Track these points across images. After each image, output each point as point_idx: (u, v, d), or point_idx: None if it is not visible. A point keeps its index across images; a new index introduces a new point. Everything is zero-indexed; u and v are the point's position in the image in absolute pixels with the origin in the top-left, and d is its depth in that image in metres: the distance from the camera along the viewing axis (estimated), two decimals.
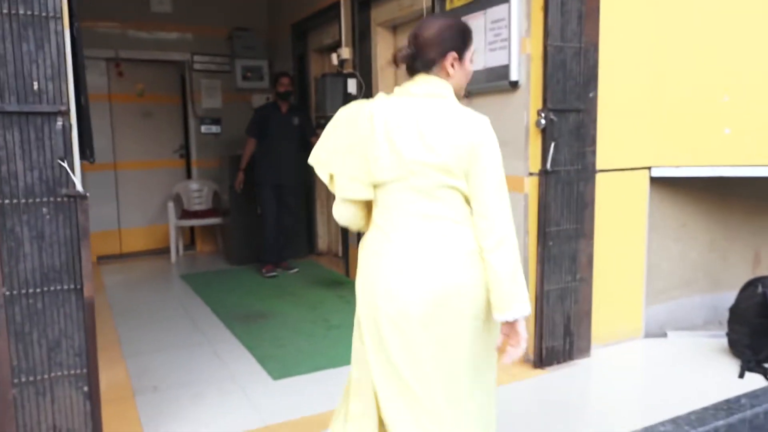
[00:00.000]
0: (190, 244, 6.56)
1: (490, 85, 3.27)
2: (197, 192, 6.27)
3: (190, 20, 6.18)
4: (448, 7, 3.58)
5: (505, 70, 3.15)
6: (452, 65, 1.66)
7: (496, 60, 3.22)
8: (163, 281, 5.22)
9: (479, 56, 3.30)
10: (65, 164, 2.05)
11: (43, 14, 1.99)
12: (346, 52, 4.77)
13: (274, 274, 5.23)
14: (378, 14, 4.62)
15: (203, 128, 6.34)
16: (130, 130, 6.20)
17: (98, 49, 5.83)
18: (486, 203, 1.57)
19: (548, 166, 3.07)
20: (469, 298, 1.60)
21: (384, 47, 4.69)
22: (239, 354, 3.42)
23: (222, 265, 5.75)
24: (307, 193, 5.94)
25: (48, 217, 2.05)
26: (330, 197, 6.07)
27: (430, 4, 3.73)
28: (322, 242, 6.19)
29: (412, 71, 1.70)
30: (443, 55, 1.65)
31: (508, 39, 3.10)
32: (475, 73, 3.31)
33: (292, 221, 5.41)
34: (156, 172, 6.30)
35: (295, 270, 5.39)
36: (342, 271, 5.32)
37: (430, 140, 1.59)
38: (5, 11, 1.95)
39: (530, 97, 3.10)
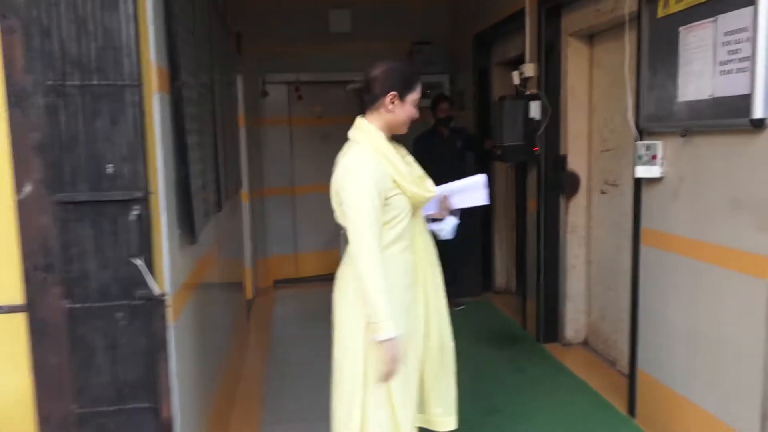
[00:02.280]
0: None
1: (720, 123, 2.34)
2: None
3: (369, 37, 5.90)
4: (660, 13, 2.68)
5: (744, 102, 2.20)
6: (392, 102, 1.99)
7: (729, 87, 2.28)
8: (328, 316, 4.95)
9: (704, 80, 2.38)
10: (139, 262, 1.69)
11: (119, 83, 1.65)
12: (529, 69, 4.06)
13: None
14: (570, 22, 3.82)
15: None
16: (308, 153, 6.14)
17: (279, 74, 5.84)
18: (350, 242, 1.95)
19: None
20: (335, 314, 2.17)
21: (577, 62, 3.91)
22: None
23: None
24: (483, 224, 5.29)
25: (123, 323, 1.72)
26: (507, 229, 5.35)
27: (635, 8, 2.85)
28: (500, 278, 5.49)
29: (361, 105, 2.04)
30: (385, 93, 1.98)
31: (752, 58, 2.15)
32: (698, 104, 2.42)
33: (466, 254, 4.83)
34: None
35: (463, 307, 4.81)
36: (519, 319, 4.58)
37: (334, 186, 2.03)
38: (77, 82, 1.64)
39: None
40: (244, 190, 5.27)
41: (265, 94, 5.85)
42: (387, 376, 1.94)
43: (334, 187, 2.00)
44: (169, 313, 1.80)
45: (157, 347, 1.75)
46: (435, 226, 2.32)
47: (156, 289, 1.72)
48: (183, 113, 1.96)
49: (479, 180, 2.33)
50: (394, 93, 1.98)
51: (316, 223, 6.13)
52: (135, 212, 1.68)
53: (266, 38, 5.69)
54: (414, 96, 2.01)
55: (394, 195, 1.97)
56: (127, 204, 1.68)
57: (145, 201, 1.70)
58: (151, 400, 1.75)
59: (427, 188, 2.10)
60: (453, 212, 2.34)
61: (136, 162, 1.67)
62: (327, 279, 6.13)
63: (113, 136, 1.64)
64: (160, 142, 1.79)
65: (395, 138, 2.09)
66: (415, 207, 2.09)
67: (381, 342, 1.89)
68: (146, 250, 1.71)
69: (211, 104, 2.79)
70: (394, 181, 1.96)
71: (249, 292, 5.46)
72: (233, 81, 4.21)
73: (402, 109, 2.00)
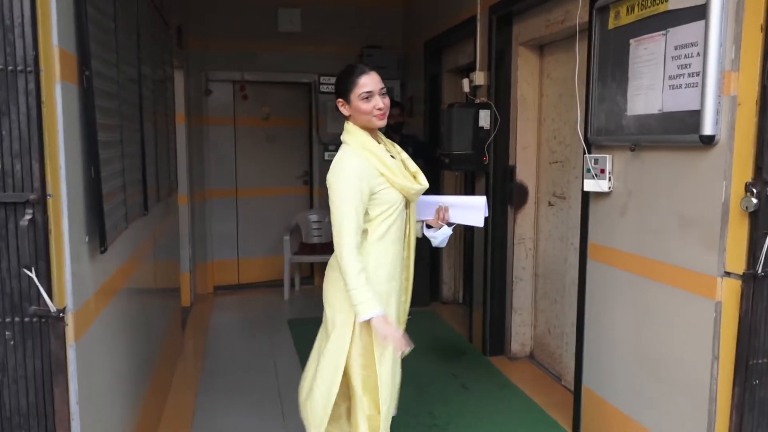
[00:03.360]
0: (309, 276, 6.15)
1: (669, 138, 2.29)
2: (317, 224, 5.83)
3: (318, 39, 5.76)
4: (611, 24, 2.62)
5: (693, 118, 2.15)
6: (344, 107, 2.13)
7: (678, 103, 2.23)
8: (268, 327, 4.78)
9: (654, 94, 2.32)
10: (32, 273, 1.47)
11: (9, 68, 1.43)
12: (480, 77, 3.98)
13: None
14: (521, 31, 3.76)
15: (327, 155, 5.88)
16: (253, 155, 5.95)
17: (224, 71, 5.63)
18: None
19: (759, 268, 2.00)
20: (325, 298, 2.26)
21: (527, 72, 3.85)
22: None
23: None
24: None
25: (12, 343, 1.50)
26: (455, 238, 5.26)
27: (586, 19, 2.79)
28: (447, 289, 5.40)
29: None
30: (336, 102, 2.16)
31: (702, 72, 2.10)
32: (647, 119, 2.37)
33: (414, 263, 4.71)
34: (278, 200, 5.99)
35: (410, 317, 4.68)
36: (465, 331, 4.49)
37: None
38: None
39: (732, 161, 2.06)
40: (183, 192, 5.06)
41: (208, 92, 5.62)
42: (394, 345, 2.07)
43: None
44: (70, 331, 1.58)
45: (54, 370, 1.53)
46: (430, 233, 2.42)
47: (52, 306, 1.50)
48: (94, 106, 1.74)
49: (480, 202, 2.39)
50: (339, 100, 2.15)
51: (260, 228, 5.98)
52: (27, 216, 1.46)
53: (211, 33, 5.47)
54: (356, 92, 2.08)
55: (383, 189, 2.10)
56: (18, 207, 1.46)
57: (41, 204, 1.48)
58: (46, 429, 1.53)
59: (419, 181, 2.20)
60: (449, 224, 2.40)
61: (30, 159, 1.45)
62: (270, 286, 6.12)
63: (0, 128, 1.42)
64: (63, 138, 1.57)
65: (408, 134, 2.37)
66: (408, 200, 2.21)
67: (369, 321, 2.05)
68: (42, 259, 1.49)
69: (137, 99, 2.58)
70: (382, 174, 2.09)
71: (186, 299, 5.22)
72: (170, 77, 3.97)
73: (353, 109, 2.11)
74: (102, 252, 1.85)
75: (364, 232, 2.13)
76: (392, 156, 2.19)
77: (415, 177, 2.23)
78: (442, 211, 2.38)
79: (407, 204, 2.23)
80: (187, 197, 5.13)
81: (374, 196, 2.09)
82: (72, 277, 1.61)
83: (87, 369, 1.73)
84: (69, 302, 1.60)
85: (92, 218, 1.82)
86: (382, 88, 2.12)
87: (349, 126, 2.15)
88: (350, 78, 2.10)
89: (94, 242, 1.83)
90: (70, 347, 1.59)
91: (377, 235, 2.13)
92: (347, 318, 2.15)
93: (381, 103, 2.10)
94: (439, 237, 2.41)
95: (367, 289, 2.03)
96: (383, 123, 2.13)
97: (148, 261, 2.96)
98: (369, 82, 2.08)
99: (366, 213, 2.11)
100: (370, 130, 2.15)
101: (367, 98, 2.08)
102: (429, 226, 2.42)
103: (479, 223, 2.40)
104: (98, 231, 1.83)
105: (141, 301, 2.75)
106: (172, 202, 3.93)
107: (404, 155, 2.27)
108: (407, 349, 2.09)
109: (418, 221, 2.40)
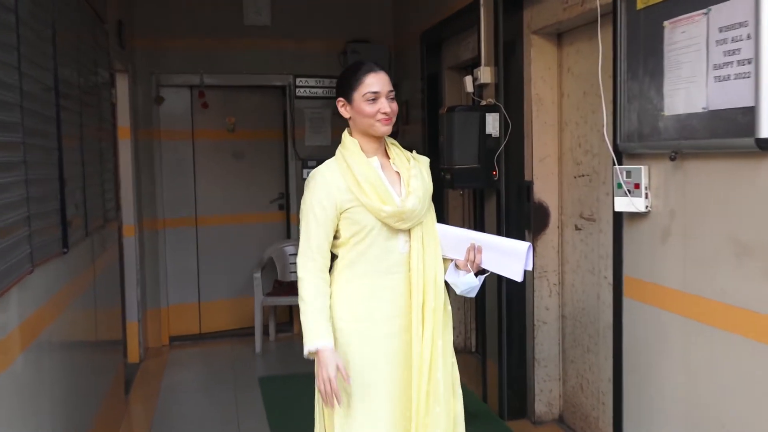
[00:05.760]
0: (286, 323, 6.12)
1: (717, 143, 2.23)
2: (295, 257, 5.68)
3: (293, 34, 5.79)
4: (640, 4, 2.56)
5: (746, 117, 2.07)
6: (344, 108, 2.27)
7: (727, 98, 2.16)
8: (235, 387, 4.71)
9: (696, 89, 2.26)
10: None
11: None
12: (485, 74, 3.97)
13: None
14: (533, 17, 3.76)
15: (306, 173, 5.83)
16: (216, 175, 5.97)
17: (179, 75, 5.64)
18: None
19: None
20: None
21: (543, 66, 3.83)
22: None
23: None
24: None
25: None
26: None
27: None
28: (456, 334, 5.28)
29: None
30: (336, 102, 2.30)
31: (755, 59, 2.02)
32: (689, 119, 2.35)
33: None
34: (247, 229, 5.97)
35: None
36: (478, 389, 4.39)
37: None
38: None
39: None
40: (130, 222, 5.02)
41: (159, 99, 5.63)
42: (323, 395, 2.15)
43: None
44: None
45: None
46: (452, 277, 2.32)
47: None
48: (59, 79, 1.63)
49: (521, 249, 2.24)
50: (339, 99, 2.26)
51: (226, 264, 5.96)
52: None
53: (162, 29, 5.51)
54: (360, 91, 2.19)
55: (352, 207, 2.18)
56: None
57: None
58: None
59: (392, 202, 2.20)
60: (480, 271, 2.30)
61: None
62: (238, 335, 6.03)
63: None
64: None
65: (404, 146, 2.37)
66: (391, 226, 2.22)
67: (315, 356, 2.16)
68: None
69: (53, 110, 2.52)
70: (351, 192, 2.18)
71: (134, 354, 5.18)
72: (108, 82, 3.93)
73: (355, 111, 2.22)
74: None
75: (333, 256, 2.24)
76: (397, 171, 2.27)
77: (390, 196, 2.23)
78: (473, 251, 2.27)
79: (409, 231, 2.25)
80: (134, 228, 5.09)
81: (344, 215, 2.19)
82: None
83: None
84: None
85: None
86: (391, 91, 2.22)
87: (344, 136, 2.28)
88: (355, 75, 2.21)
89: None
90: None
91: (345, 263, 2.24)
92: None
93: (387, 107, 2.19)
94: (462, 286, 2.30)
95: (321, 317, 2.15)
96: (388, 129, 2.22)
97: (73, 309, 2.87)
98: (376, 81, 2.19)
99: (336, 234, 2.22)
100: (372, 138, 2.25)
101: (372, 100, 2.18)
102: (457, 266, 2.32)
103: (517, 275, 2.24)
104: None
105: (62, 361, 2.65)
106: (108, 235, 3.85)
107: (414, 172, 2.28)
108: (338, 406, 2.13)
109: (445, 259, 2.33)
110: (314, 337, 2.12)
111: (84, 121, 3.09)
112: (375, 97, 2.17)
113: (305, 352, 2.15)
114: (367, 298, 2.23)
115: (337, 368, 2.11)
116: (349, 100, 2.22)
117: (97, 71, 3.50)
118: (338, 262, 2.25)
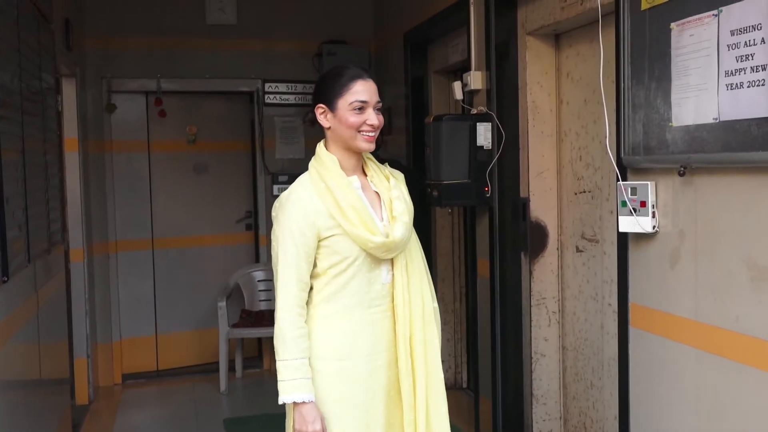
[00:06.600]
0: (255, 357, 6.15)
1: (729, 157, 2.27)
2: (265, 284, 5.82)
3: (261, 33, 5.86)
4: (645, 4, 2.63)
5: (761, 128, 2.12)
6: (324, 116, 2.25)
7: (740, 108, 2.21)
8: (197, 431, 4.65)
9: (706, 97, 2.33)
10: None
11: None
12: (476, 79, 4.02)
13: None
14: (529, 16, 3.82)
15: (277, 189, 5.92)
16: (175, 192, 6.00)
17: (133, 79, 5.68)
18: None
19: None
20: None
21: (539, 70, 3.88)
22: None
23: None
24: None
25: None
26: (454, 299, 5.22)
27: None
28: (446, 368, 5.30)
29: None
30: (314, 108, 2.27)
31: None
32: (699, 131, 2.42)
33: None
34: (210, 252, 6.01)
35: None
36: (469, 428, 4.46)
37: None
38: None
39: None
40: (78, 245, 5.04)
41: (111, 107, 5.66)
42: None
43: None
44: None
45: None
46: None
47: None
48: None
49: None
50: (319, 106, 2.24)
51: (187, 292, 5.99)
52: None
53: (114, 29, 5.55)
54: (346, 99, 2.18)
55: (333, 235, 2.17)
56: None
57: None
58: None
59: (378, 231, 2.20)
60: None
61: None
62: (201, 371, 6.03)
63: None
64: None
65: (387, 159, 2.41)
66: (383, 254, 2.23)
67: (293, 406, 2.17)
68: None
69: None
70: (333, 218, 2.16)
71: (83, 394, 5.19)
72: (53, 87, 3.95)
73: (337, 120, 2.20)
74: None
75: (310, 289, 2.22)
76: (377, 192, 2.29)
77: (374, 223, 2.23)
78: None
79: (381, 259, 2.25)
80: (83, 252, 5.11)
81: (323, 243, 2.17)
82: None
83: None
84: None
85: None
86: (379, 102, 2.23)
87: (319, 149, 2.27)
88: (341, 80, 2.20)
89: None
90: None
91: (322, 297, 2.22)
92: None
93: (375, 118, 2.20)
94: None
95: (301, 364, 2.13)
96: (371, 147, 2.24)
97: (14, 345, 2.88)
98: (365, 90, 2.19)
99: (314, 264, 2.20)
100: (351, 154, 2.26)
101: (359, 109, 2.18)
102: None
103: None
104: None
105: (1, 403, 2.66)
106: (53, 261, 3.85)
107: (395, 193, 2.31)
108: None
109: None
110: (294, 388, 2.11)
111: (26, 131, 3.09)
112: (362, 107, 2.17)
113: (281, 400, 2.14)
114: (347, 336, 2.22)
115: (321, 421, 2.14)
116: (331, 107, 2.20)
117: (40, 76, 3.52)
118: (314, 296, 2.23)
